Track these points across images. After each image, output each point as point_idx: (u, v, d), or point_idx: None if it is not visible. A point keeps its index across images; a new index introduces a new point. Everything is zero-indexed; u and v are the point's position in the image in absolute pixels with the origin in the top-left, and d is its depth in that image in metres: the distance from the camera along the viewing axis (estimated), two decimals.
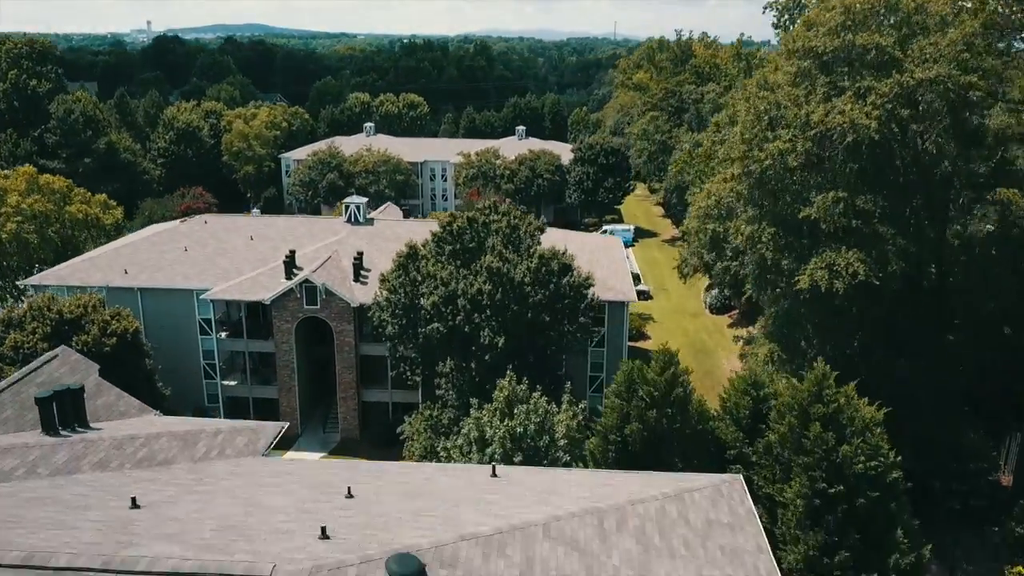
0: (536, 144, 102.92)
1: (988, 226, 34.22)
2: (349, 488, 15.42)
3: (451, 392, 35.50)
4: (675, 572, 14.10)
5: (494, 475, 17.86)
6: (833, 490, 16.82)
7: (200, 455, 18.72)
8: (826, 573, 16.64)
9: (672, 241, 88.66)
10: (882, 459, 17.29)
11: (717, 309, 65.02)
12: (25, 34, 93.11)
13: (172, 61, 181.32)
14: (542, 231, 37.48)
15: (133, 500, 14.11)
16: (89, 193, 57.45)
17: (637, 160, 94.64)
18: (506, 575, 12.39)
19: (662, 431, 19.20)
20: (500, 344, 33.16)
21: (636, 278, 64.04)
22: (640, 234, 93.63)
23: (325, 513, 14.38)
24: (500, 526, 13.74)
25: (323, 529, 12.57)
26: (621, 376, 21.77)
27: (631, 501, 16.04)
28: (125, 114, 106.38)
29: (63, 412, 18.38)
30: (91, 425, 19.36)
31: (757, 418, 19.93)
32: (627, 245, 76.63)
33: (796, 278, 28.94)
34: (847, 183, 28.59)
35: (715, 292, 64.87)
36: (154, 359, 40.33)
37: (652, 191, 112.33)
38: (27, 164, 59.30)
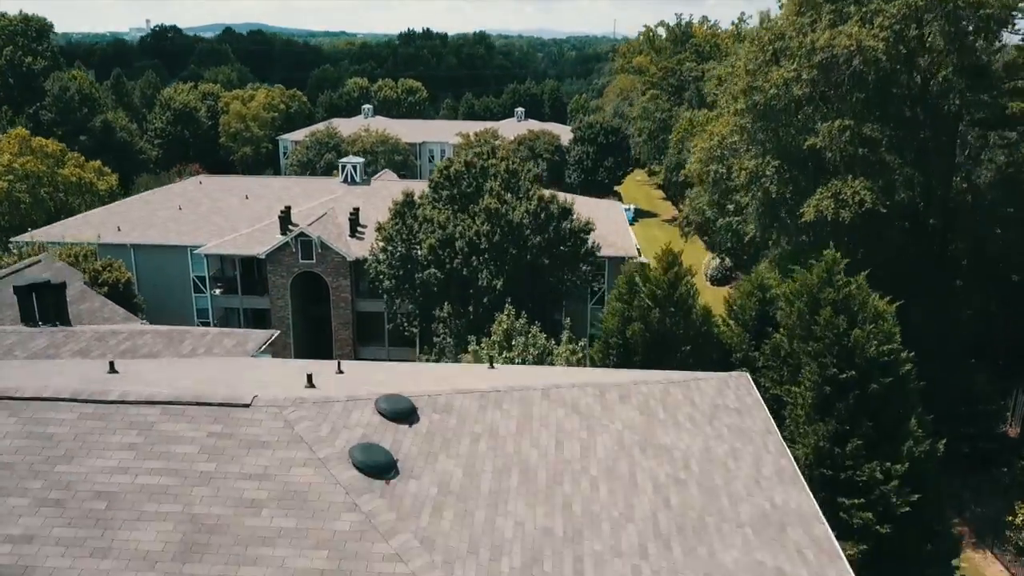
0: (535, 125, 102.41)
1: (993, 173, 33.62)
2: (339, 363, 14.80)
3: (449, 339, 34.82)
4: (680, 442, 13.43)
5: (491, 367, 17.24)
6: (844, 375, 16.10)
7: (186, 351, 18.05)
8: (837, 464, 15.96)
9: (672, 220, 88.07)
10: (895, 346, 16.64)
11: (718, 280, 64.36)
12: (21, 11, 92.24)
13: (170, 51, 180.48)
14: (540, 180, 36.78)
15: (111, 364, 13.45)
16: (83, 158, 56.75)
17: (637, 139, 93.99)
18: (503, 425, 11.72)
19: (665, 332, 18.51)
20: (499, 286, 32.48)
21: (637, 251, 63.39)
22: (640, 215, 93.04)
23: (314, 377, 13.73)
24: (497, 386, 13.09)
25: (309, 377, 11.90)
26: (623, 280, 21.08)
27: (634, 381, 15.40)
28: (121, 95, 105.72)
29: (43, 306, 17.70)
30: (73, 325, 18.69)
31: (764, 321, 19.21)
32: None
33: (801, 211, 28.28)
34: (853, 111, 27.93)
35: (716, 264, 64.25)
36: (147, 316, 39.65)
37: (652, 174, 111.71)
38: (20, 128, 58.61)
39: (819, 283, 17.02)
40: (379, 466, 9.55)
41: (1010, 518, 27.12)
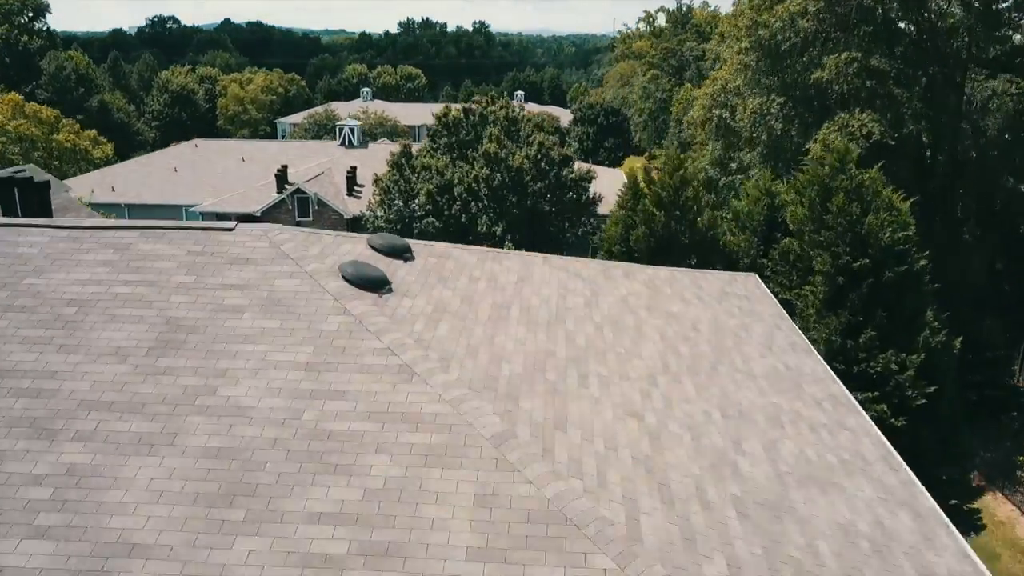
0: (535, 108, 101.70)
1: (1001, 121, 33.04)
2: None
3: None
4: (688, 311, 12.83)
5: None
6: (857, 264, 15.45)
7: None
8: (850, 358, 15.32)
9: None
10: (910, 234, 16.02)
11: None
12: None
13: (168, 41, 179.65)
14: (540, 128, 36.19)
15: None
16: (78, 125, 56.12)
17: (638, 120, 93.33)
18: (503, 276, 11.11)
19: (669, 236, 17.90)
20: (498, 232, 31.88)
21: None
22: None
23: None
24: (496, 249, 12.51)
25: (297, 223, 11.31)
26: (626, 186, 20.49)
27: (639, 267, 14.82)
28: (119, 77, 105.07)
29: (25, 203, 17.07)
30: None
31: (772, 226, 18.56)
32: None
33: (807, 147, 27.67)
34: (860, 45, 27.35)
35: None
36: None
37: (652, 158, 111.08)
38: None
39: (831, 172, 16.42)
40: (371, 280, 8.95)
41: (1021, 458, 26.51)
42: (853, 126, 26.29)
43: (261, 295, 8.56)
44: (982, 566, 7.78)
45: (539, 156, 32.93)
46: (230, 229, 9.71)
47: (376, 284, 8.93)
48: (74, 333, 8.05)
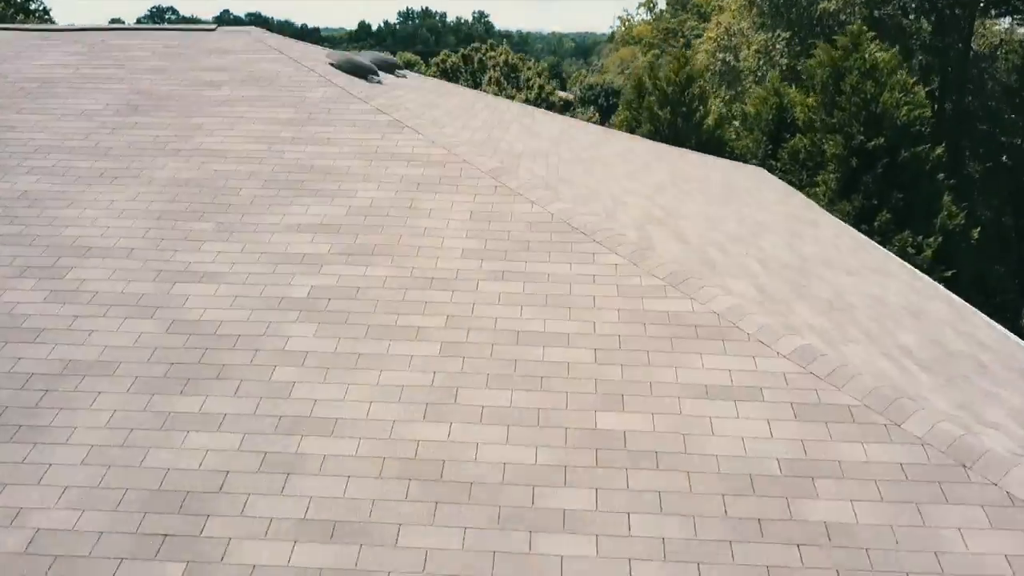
0: None
1: (1010, 67, 32.44)
2: None
3: None
4: (695, 171, 12.19)
5: None
6: (872, 144, 14.78)
7: None
8: None
9: None
10: (927, 112, 15.34)
11: None
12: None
13: None
14: (540, 76, 35.56)
15: None
16: None
17: None
18: (502, 105, 10.48)
19: (675, 135, 17.25)
20: None
21: None
22: None
23: None
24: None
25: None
26: (631, 87, 19.84)
27: (643, 139, 14.19)
28: None
29: None
30: None
31: (781, 127, 17.87)
32: None
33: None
34: None
35: None
36: None
37: None
38: None
39: (844, 54, 15.73)
40: (359, 67, 8.32)
41: None
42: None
43: (242, 74, 7.93)
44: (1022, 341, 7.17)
45: (539, 100, 32.30)
46: (211, 29, 9.08)
47: (365, 71, 8.30)
48: (36, 101, 7.43)
